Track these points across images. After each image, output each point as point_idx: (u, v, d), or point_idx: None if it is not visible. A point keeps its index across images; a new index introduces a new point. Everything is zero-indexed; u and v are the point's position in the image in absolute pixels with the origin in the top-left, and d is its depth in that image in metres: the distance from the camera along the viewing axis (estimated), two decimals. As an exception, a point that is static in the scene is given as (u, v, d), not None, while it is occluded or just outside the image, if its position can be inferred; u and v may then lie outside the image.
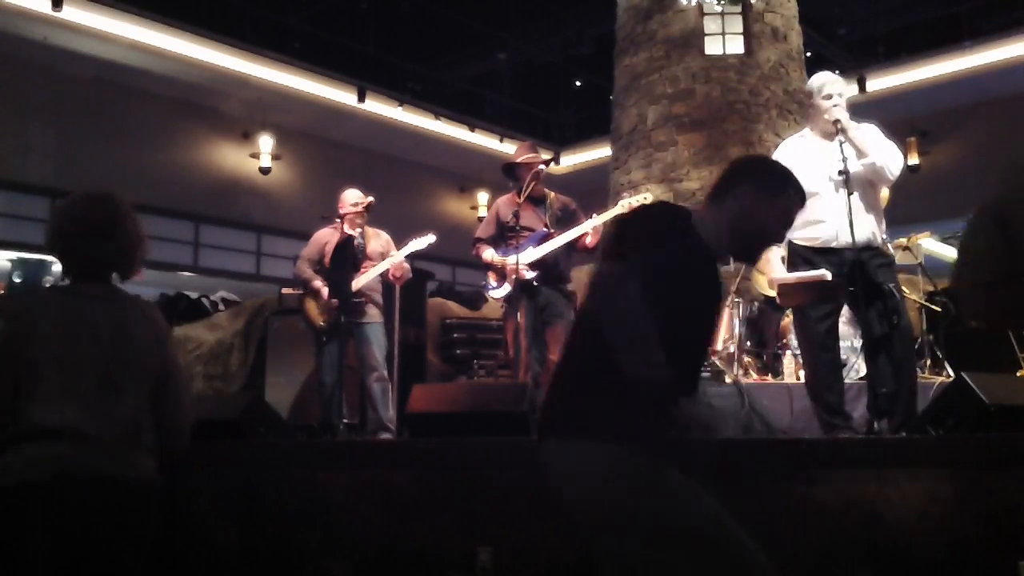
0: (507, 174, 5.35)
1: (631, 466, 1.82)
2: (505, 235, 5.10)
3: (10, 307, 2.34)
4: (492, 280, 5.14)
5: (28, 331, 2.22)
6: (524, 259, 4.85)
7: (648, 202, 2.24)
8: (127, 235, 2.36)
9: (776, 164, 2.20)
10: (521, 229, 4.92)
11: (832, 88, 3.92)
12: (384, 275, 5.26)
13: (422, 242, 5.30)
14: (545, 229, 5.02)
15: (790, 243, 3.99)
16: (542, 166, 5.14)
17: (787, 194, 2.06)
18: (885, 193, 4.27)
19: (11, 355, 2.20)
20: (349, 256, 5.21)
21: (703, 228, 2.01)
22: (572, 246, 4.93)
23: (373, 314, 5.20)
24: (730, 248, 2.06)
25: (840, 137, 3.79)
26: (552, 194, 5.21)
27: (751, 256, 2.17)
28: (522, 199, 5.01)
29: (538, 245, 4.93)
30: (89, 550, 2.15)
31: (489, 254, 5.12)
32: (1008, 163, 1.64)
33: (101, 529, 2.17)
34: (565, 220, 5.06)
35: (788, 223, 2.11)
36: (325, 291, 5.18)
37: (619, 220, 2.08)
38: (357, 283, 5.15)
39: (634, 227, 1.98)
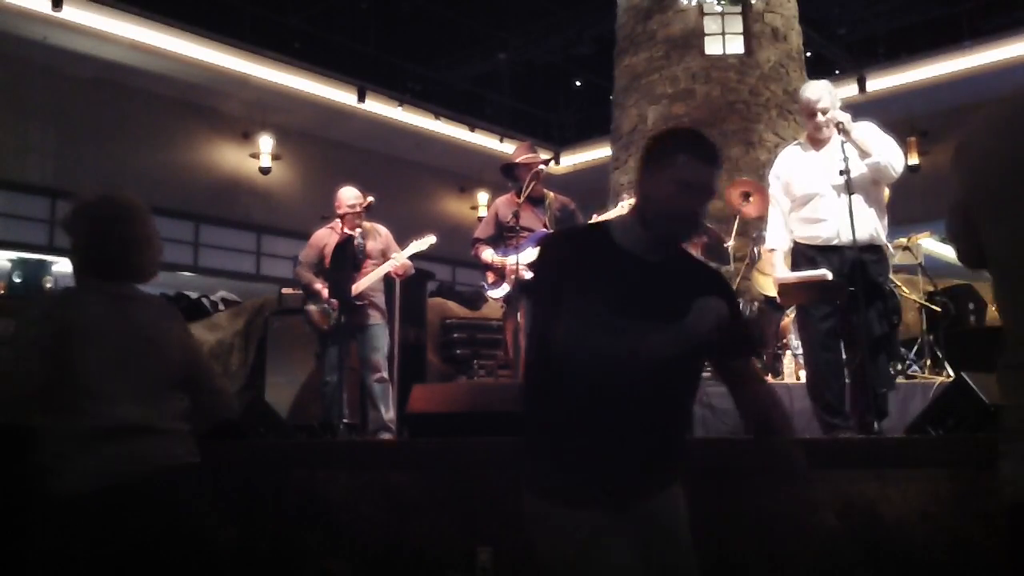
0: (506, 174, 5.34)
1: (547, 517, 1.87)
2: (504, 235, 5.10)
3: (47, 304, 2.38)
4: (491, 280, 5.14)
5: (70, 328, 2.24)
6: (523, 259, 4.85)
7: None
8: (147, 238, 2.42)
9: (662, 135, 2.00)
10: (520, 229, 4.93)
11: (823, 103, 3.94)
12: (386, 274, 5.25)
13: (423, 243, 5.29)
14: (544, 229, 5.02)
15: (795, 242, 4.03)
16: (541, 166, 5.14)
17: (676, 158, 1.86)
18: (885, 192, 4.28)
19: (53, 351, 2.22)
20: (349, 256, 5.20)
21: (618, 231, 1.96)
22: (572, 246, 4.93)
23: (375, 315, 5.19)
24: (648, 236, 1.92)
25: (841, 138, 3.82)
26: (551, 194, 5.21)
27: (675, 237, 1.98)
28: (522, 199, 5.01)
29: (537, 245, 4.93)
30: (171, 540, 2.24)
31: (488, 254, 5.12)
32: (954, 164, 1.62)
33: (179, 517, 2.28)
34: (564, 220, 5.06)
35: (693, 187, 1.87)
36: (325, 292, 5.17)
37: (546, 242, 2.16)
38: (358, 287, 5.13)
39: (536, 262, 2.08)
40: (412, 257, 5.26)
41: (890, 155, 3.85)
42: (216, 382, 2.63)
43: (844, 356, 4.02)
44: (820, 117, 3.91)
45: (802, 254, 4.00)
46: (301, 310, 5.46)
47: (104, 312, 2.30)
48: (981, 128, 1.54)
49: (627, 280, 1.89)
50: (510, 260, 4.90)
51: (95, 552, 2.15)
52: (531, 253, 4.90)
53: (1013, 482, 1.38)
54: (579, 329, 1.78)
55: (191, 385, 2.46)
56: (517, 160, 5.23)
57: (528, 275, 4.86)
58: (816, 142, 4.02)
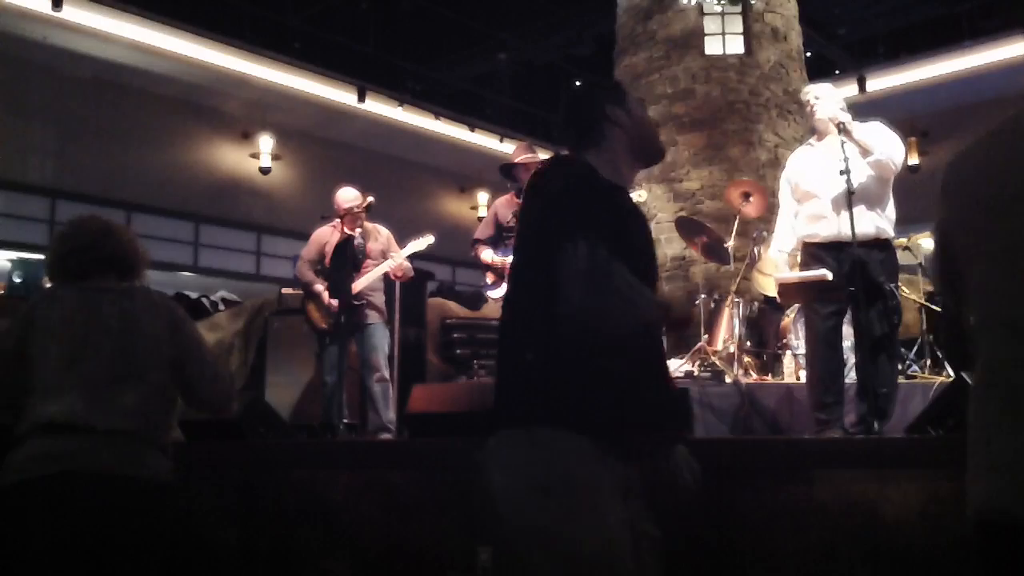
0: (505, 175, 5.35)
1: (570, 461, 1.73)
2: (503, 236, 5.10)
3: (19, 308, 2.41)
4: (491, 280, 5.14)
5: (34, 328, 2.27)
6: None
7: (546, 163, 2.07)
8: (127, 237, 2.47)
9: (592, 83, 2.25)
10: (521, 229, 4.93)
11: (810, 93, 4.14)
12: (386, 274, 5.25)
13: (421, 243, 5.29)
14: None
15: (803, 243, 4.09)
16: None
17: (626, 93, 2.08)
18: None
19: (18, 354, 2.24)
20: (349, 256, 5.20)
21: (600, 170, 1.97)
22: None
23: (374, 315, 5.19)
24: (633, 166, 2.07)
25: (842, 137, 3.85)
26: (551, 194, 5.21)
27: (659, 154, 2.15)
28: (522, 200, 5.00)
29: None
30: (92, 548, 2.12)
31: (488, 255, 5.13)
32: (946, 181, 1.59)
33: (105, 527, 2.14)
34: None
35: (645, 104, 2.13)
36: (326, 294, 5.17)
37: (527, 189, 2.03)
38: (357, 285, 5.13)
39: (546, 190, 1.93)
40: (411, 257, 5.26)
41: (890, 150, 3.90)
42: (217, 372, 2.52)
43: (851, 355, 4.05)
44: (812, 102, 4.08)
45: (806, 252, 4.05)
46: (301, 310, 5.46)
47: (66, 308, 2.31)
48: (970, 152, 1.53)
49: (629, 206, 2.00)
50: (510, 260, 4.90)
51: (7, 543, 2.11)
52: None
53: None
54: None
55: (184, 379, 2.41)
56: (516, 160, 5.23)
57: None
58: (817, 134, 4.14)
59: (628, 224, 1.90)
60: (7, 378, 2.25)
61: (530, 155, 5.25)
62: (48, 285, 2.61)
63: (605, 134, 2.00)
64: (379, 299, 5.26)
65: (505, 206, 5.19)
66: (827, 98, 4.05)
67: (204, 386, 2.46)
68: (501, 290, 5.05)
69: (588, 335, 1.76)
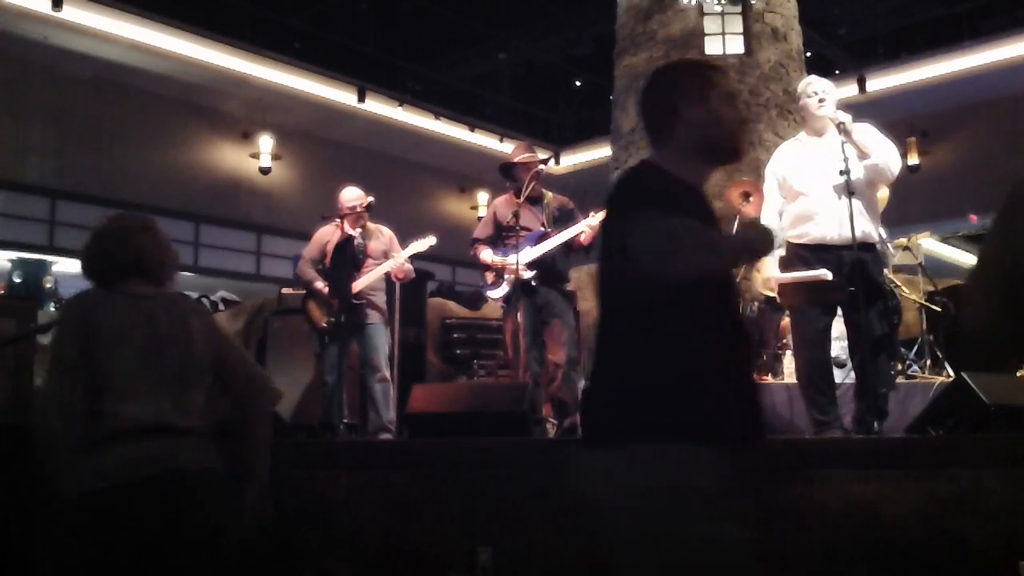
0: (504, 174, 5.34)
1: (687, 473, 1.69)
2: (503, 235, 5.10)
3: (73, 310, 2.42)
4: (490, 280, 5.14)
5: (93, 334, 2.30)
6: (522, 259, 4.85)
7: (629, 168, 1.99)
8: (145, 241, 2.51)
9: (670, 68, 2.09)
10: (520, 229, 4.93)
11: (816, 87, 4.00)
12: (387, 273, 5.25)
13: (422, 244, 5.28)
14: (543, 228, 5.02)
15: (788, 242, 4.01)
16: (541, 166, 5.14)
17: (712, 81, 1.94)
18: (884, 193, 4.28)
19: (83, 361, 2.27)
20: (349, 256, 5.20)
21: (672, 172, 1.90)
22: (568, 245, 4.94)
23: (374, 315, 5.19)
24: (708, 164, 1.97)
25: (842, 137, 3.81)
26: (549, 194, 5.22)
27: (734, 154, 1.99)
28: (522, 199, 5.00)
29: (535, 245, 4.93)
30: (181, 543, 2.23)
31: (487, 254, 5.13)
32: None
33: (204, 519, 2.28)
34: (562, 220, 5.06)
35: (732, 99, 1.96)
36: (326, 292, 5.17)
37: (610, 198, 1.94)
38: (358, 285, 5.13)
39: (629, 196, 1.88)
40: (412, 257, 5.26)
41: (888, 156, 3.85)
42: (252, 370, 2.61)
43: (847, 356, 4.02)
44: (820, 95, 3.94)
45: (796, 255, 3.96)
46: (301, 310, 5.46)
47: (125, 312, 2.36)
48: None
49: (703, 205, 1.95)
50: (511, 260, 4.90)
51: (96, 549, 2.16)
52: (529, 252, 4.90)
53: None
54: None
55: (224, 378, 2.50)
56: (515, 160, 5.22)
57: (527, 274, 4.86)
58: (813, 133, 4.04)
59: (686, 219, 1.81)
60: (77, 383, 2.27)
61: (529, 155, 5.24)
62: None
63: (676, 133, 1.91)
64: (380, 299, 5.25)
65: (504, 206, 5.18)
66: (833, 95, 3.99)
67: (243, 373, 2.56)
68: (501, 290, 5.04)
69: (658, 283, 1.72)
